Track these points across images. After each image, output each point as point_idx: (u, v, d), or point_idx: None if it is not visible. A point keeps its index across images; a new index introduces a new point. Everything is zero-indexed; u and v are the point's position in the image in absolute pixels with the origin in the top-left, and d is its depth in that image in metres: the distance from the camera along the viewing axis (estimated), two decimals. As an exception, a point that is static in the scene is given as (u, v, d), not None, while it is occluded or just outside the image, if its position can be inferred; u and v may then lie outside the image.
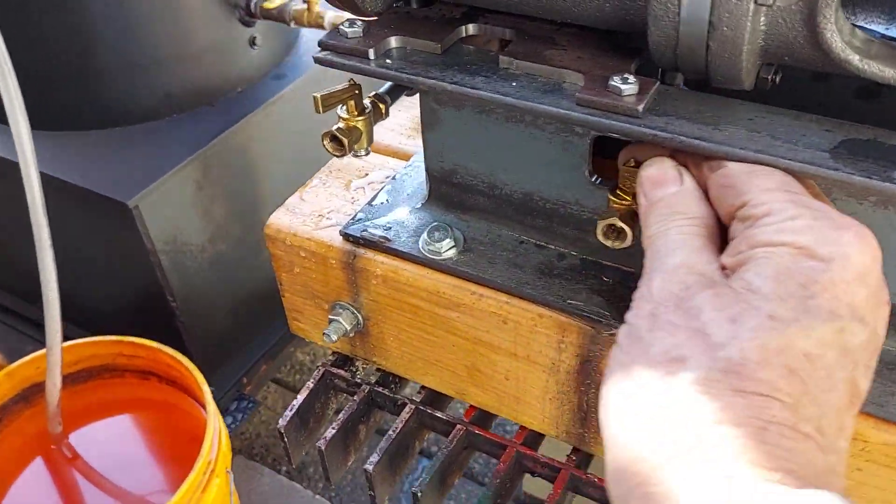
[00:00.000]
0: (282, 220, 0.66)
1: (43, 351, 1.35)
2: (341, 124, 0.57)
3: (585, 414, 0.59)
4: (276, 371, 2.16)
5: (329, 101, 0.55)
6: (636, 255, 0.48)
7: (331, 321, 0.66)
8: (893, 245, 0.47)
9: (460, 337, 0.61)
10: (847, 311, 0.36)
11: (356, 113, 0.56)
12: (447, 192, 0.62)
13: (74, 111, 1.49)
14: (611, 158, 0.52)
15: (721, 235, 0.43)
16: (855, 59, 0.42)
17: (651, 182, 0.45)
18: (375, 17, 0.56)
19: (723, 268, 0.39)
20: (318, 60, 0.54)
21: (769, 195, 0.40)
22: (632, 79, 0.46)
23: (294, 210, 0.67)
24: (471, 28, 0.54)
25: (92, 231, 1.52)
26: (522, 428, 0.66)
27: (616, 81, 0.46)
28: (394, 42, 0.53)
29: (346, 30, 0.53)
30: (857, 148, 0.42)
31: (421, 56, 0.52)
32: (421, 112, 0.58)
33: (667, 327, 0.37)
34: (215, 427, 1.25)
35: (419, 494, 0.62)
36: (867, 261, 0.37)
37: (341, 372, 0.71)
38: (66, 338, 1.26)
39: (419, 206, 0.64)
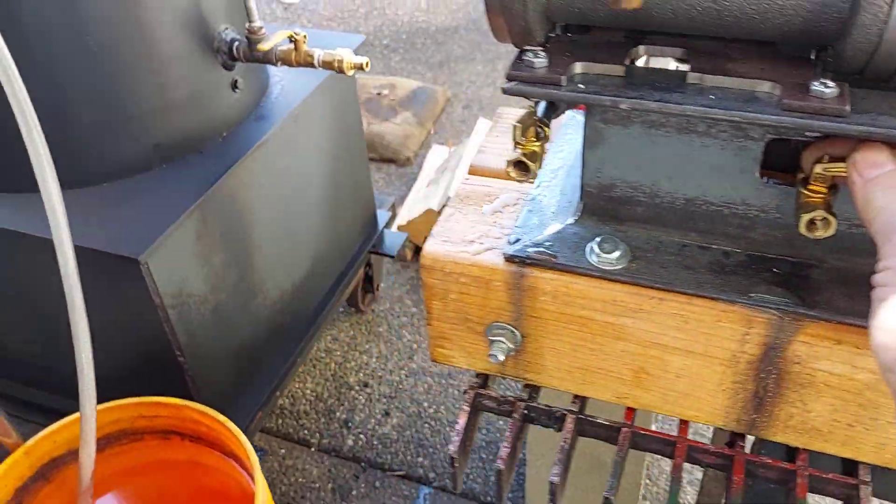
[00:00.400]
0: (437, 249, 0.68)
1: (57, 425, 1.29)
2: (522, 150, 0.59)
3: (761, 400, 0.63)
4: (267, 418, 2.12)
5: (523, 129, 0.58)
6: (797, 244, 0.53)
7: (493, 342, 0.68)
8: None
9: (632, 342, 0.64)
10: None
11: (535, 138, 0.59)
12: (603, 205, 0.65)
13: (63, 171, 1.43)
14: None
15: None
16: None
17: (867, 163, 0.51)
18: (541, 47, 0.59)
19: None
20: (508, 91, 0.56)
21: None
22: (831, 83, 0.51)
23: (444, 239, 0.68)
24: (641, 50, 0.58)
25: (94, 291, 1.46)
26: (683, 422, 0.69)
27: (818, 86, 0.51)
28: (578, 68, 0.56)
29: (533, 59, 0.56)
30: None
31: (607, 79, 0.56)
32: (585, 133, 0.62)
33: None
34: (264, 499, 1.19)
35: (612, 500, 0.65)
36: None
37: (490, 392, 0.73)
38: (62, 411, 1.22)
39: (572, 221, 0.67)
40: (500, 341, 0.67)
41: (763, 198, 0.60)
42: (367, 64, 1.44)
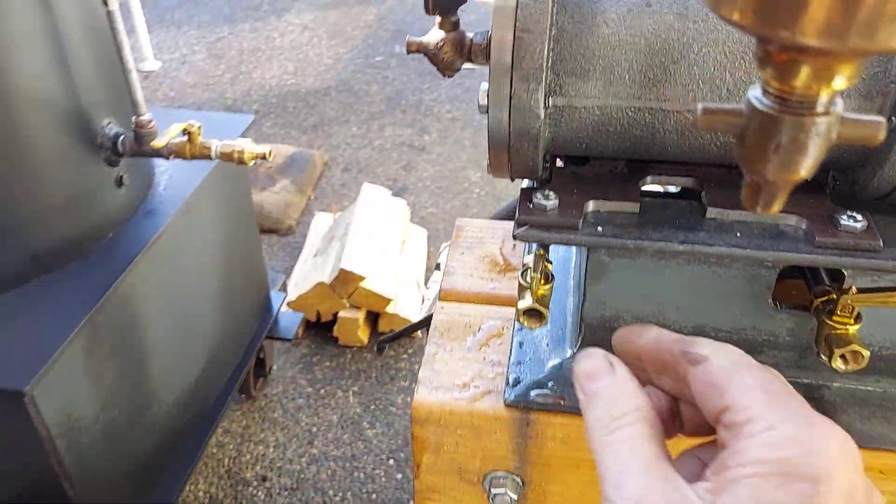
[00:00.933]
0: (430, 399, 0.61)
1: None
2: (531, 297, 0.54)
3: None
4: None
5: (533, 274, 0.53)
6: (807, 365, 0.51)
7: (494, 496, 0.61)
8: None
9: (647, 481, 0.60)
10: None
11: (543, 281, 0.54)
12: (604, 336, 0.61)
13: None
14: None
15: (670, 415, 0.44)
16: None
17: (585, 375, 0.44)
18: (546, 181, 0.55)
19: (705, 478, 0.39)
20: (521, 238, 0.51)
21: (749, 396, 0.39)
22: (858, 216, 0.49)
23: (435, 385, 0.62)
24: (649, 180, 0.55)
25: (-37, 429, 1.27)
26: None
27: (847, 220, 0.49)
28: (591, 206, 0.52)
29: (544, 202, 0.51)
30: None
31: (622, 217, 0.52)
32: (588, 267, 0.57)
33: None
34: None
35: None
36: (850, 474, 0.37)
37: (489, 544, 0.66)
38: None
39: (571, 354, 0.62)
40: (503, 494, 0.61)
41: (774, 323, 0.58)
42: (269, 153, 1.35)
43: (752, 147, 0.30)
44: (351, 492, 2.27)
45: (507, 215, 0.85)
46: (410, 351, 2.58)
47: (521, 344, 0.64)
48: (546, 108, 0.47)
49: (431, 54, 0.55)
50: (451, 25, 0.55)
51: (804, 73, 0.27)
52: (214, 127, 1.48)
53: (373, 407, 2.41)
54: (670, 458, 0.40)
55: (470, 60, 0.55)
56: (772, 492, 0.35)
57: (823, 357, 0.53)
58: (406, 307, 2.62)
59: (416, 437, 0.62)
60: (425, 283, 2.79)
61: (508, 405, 0.59)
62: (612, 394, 0.42)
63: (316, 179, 3.27)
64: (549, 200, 0.51)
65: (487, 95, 0.48)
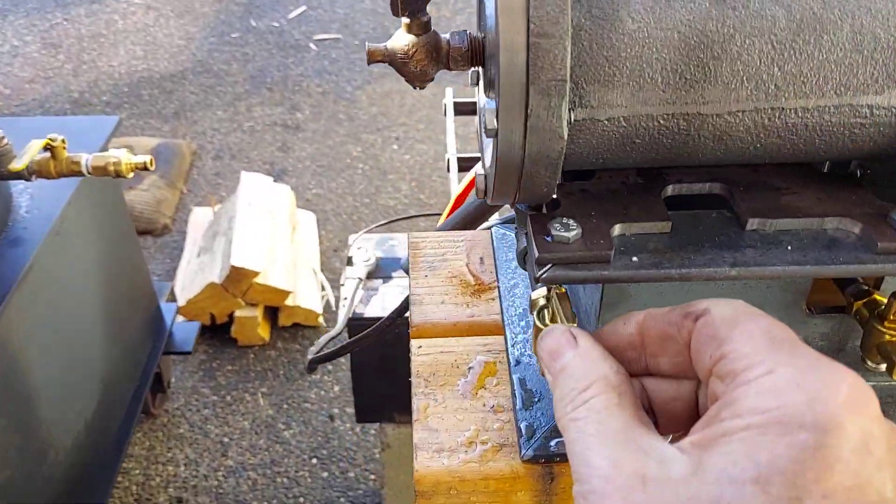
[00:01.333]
0: (434, 466, 0.52)
1: None
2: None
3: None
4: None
5: (549, 312, 0.44)
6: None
7: (519, 560, 0.54)
8: None
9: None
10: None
11: (570, 319, 0.46)
12: (619, 365, 0.54)
13: None
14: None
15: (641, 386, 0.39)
16: None
17: (549, 354, 0.40)
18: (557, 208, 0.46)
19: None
20: (548, 281, 0.42)
21: (750, 344, 0.34)
22: (913, 214, 0.44)
23: (436, 448, 0.53)
24: (670, 190, 0.47)
25: None
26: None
27: (901, 220, 0.43)
28: (617, 230, 0.44)
29: (564, 234, 0.42)
30: None
31: (655, 240, 0.44)
32: (604, 294, 0.50)
33: None
34: None
35: None
36: (863, 422, 0.31)
37: None
38: None
39: (584, 390, 0.54)
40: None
41: (808, 329, 0.52)
42: (151, 162, 1.20)
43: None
44: (276, 499, 2.15)
45: (461, 224, 0.76)
46: (308, 342, 2.46)
47: (522, 381, 0.56)
48: (569, 124, 0.39)
49: (399, 63, 0.45)
50: (422, 27, 0.45)
51: None
52: (74, 135, 1.30)
53: (286, 406, 2.28)
54: (647, 423, 0.36)
55: (447, 67, 0.46)
56: (769, 445, 0.30)
57: (871, 364, 0.49)
58: (305, 298, 2.49)
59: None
60: (321, 269, 2.66)
61: (527, 462, 0.51)
62: (575, 365, 0.38)
63: (186, 171, 3.04)
64: (570, 231, 0.42)
65: (497, 116, 0.38)
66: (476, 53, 0.45)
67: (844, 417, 0.30)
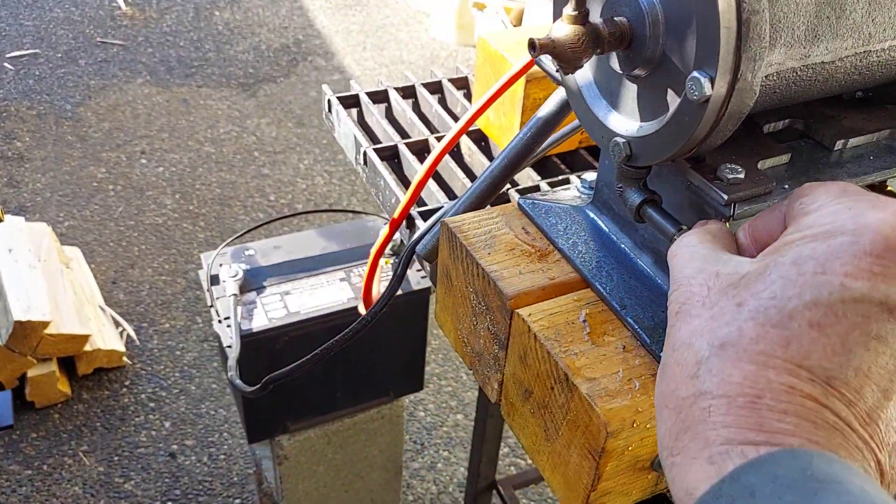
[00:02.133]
0: (614, 406, 0.57)
1: None
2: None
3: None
4: None
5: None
6: None
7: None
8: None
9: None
10: (867, 285, 0.34)
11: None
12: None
13: None
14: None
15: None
16: None
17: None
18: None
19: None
20: (743, 215, 0.50)
21: (825, 193, 0.39)
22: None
23: (606, 393, 0.59)
24: (765, 129, 0.57)
25: None
26: None
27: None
28: (761, 165, 0.53)
29: (737, 175, 0.51)
30: None
31: (781, 171, 0.54)
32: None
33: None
34: None
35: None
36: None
37: None
38: None
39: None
40: (683, 464, 0.61)
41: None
42: None
43: None
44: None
45: (477, 203, 0.80)
46: (118, 385, 2.26)
47: (637, 320, 0.63)
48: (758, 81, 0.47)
49: (569, 53, 0.50)
50: (585, 17, 0.50)
51: None
52: None
53: (117, 458, 2.09)
54: (734, 250, 0.43)
55: (602, 52, 0.51)
56: (812, 245, 0.36)
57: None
58: (103, 339, 2.27)
59: (607, 451, 0.59)
60: (106, 305, 2.43)
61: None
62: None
63: None
64: (738, 174, 0.51)
65: (710, 81, 0.45)
66: (625, 37, 0.50)
67: (884, 227, 0.35)
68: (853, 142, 0.56)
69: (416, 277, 1.53)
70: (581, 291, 0.68)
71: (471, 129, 1.02)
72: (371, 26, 4.25)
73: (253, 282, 1.46)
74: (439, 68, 3.74)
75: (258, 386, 1.05)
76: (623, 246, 0.68)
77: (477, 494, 1.69)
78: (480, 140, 1.12)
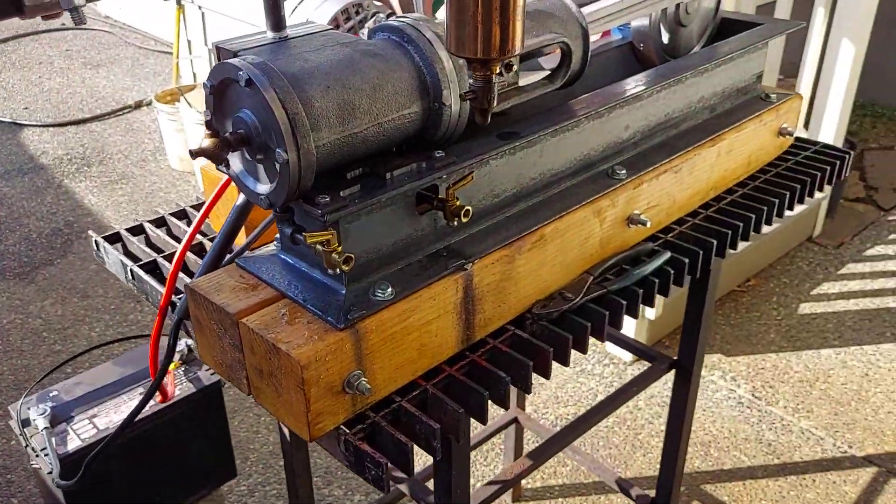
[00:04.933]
0: (306, 350, 0.95)
1: None
2: (337, 254, 0.94)
3: (469, 317, 1.13)
4: None
5: (331, 239, 0.93)
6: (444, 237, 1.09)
7: (355, 384, 1.00)
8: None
9: (414, 332, 1.06)
10: None
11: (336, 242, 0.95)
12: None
13: None
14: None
15: None
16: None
17: None
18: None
19: None
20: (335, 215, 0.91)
21: None
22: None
23: (302, 341, 0.96)
24: (351, 173, 1.00)
25: None
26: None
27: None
28: (342, 193, 0.95)
29: (322, 201, 0.92)
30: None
31: (356, 195, 0.96)
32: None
33: None
34: None
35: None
36: None
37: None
38: None
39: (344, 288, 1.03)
40: (360, 380, 0.99)
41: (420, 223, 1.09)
42: None
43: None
44: None
45: (213, 264, 1.16)
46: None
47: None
48: (316, 148, 0.89)
49: (212, 154, 0.90)
50: (217, 133, 0.90)
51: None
52: None
53: None
54: None
55: (234, 150, 0.91)
56: None
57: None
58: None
59: (307, 381, 0.95)
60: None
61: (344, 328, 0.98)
62: None
63: None
64: (325, 199, 0.92)
65: (285, 153, 0.86)
66: (244, 140, 0.91)
67: None
68: (397, 172, 1.00)
69: (206, 375, 1.83)
70: (281, 301, 1.07)
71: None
72: (140, 195, 4.54)
73: (61, 415, 1.69)
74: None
75: (79, 475, 1.31)
76: (301, 267, 1.08)
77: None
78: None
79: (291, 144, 0.86)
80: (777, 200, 1.57)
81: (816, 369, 3.24)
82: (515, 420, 2.48)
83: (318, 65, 0.93)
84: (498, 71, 0.82)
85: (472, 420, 1.12)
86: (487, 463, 2.86)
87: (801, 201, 1.65)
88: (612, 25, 1.28)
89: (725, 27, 1.66)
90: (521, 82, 1.25)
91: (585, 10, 1.26)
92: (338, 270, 0.96)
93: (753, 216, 1.51)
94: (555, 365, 1.19)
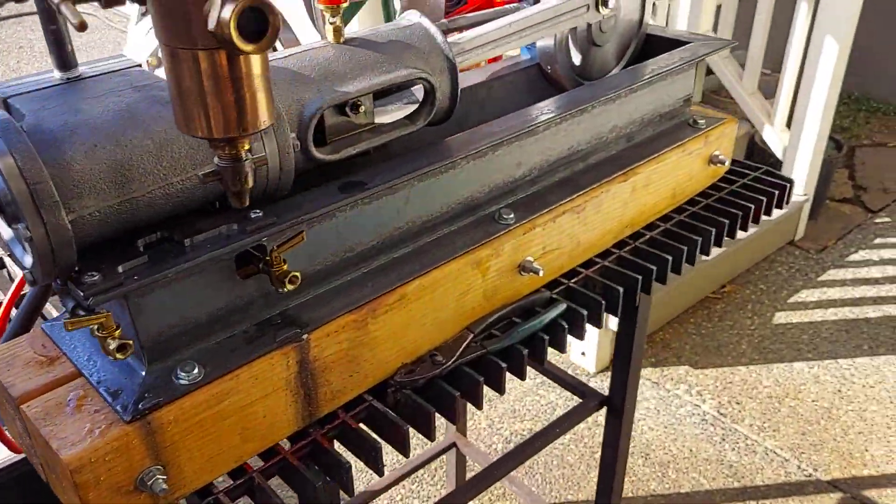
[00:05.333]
0: (75, 453, 0.82)
1: None
2: (114, 339, 0.81)
3: (309, 393, 1.00)
4: None
5: (108, 326, 0.80)
6: (272, 302, 0.95)
7: (150, 482, 0.87)
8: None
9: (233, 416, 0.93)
10: None
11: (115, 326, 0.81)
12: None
13: None
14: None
15: None
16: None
17: None
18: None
19: None
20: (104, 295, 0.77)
21: None
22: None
23: (70, 442, 0.83)
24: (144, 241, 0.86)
25: None
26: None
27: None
28: (120, 269, 0.81)
29: (89, 280, 0.78)
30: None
31: (143, 266, 0.83)
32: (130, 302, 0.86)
33: None
34: None
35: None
36: None
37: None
38: None
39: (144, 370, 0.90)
40: (155, 479, 0.86)
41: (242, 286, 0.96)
42: None
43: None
44: None
45: (20, 331, 1.03)
46: None
47: (109, 391, 0.89)
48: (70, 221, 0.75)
49: None
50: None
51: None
52: None
53: None
54: None
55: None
56: None
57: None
58: None
59: (80, 484, 0.83)
60: None
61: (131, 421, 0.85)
62: None
63: None
64: (94, 277, 0.78)
65: (26, 229, 0.73)
66: (2, 205, 0.78)
67: None
68: (200, 238, 0.86)
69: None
70: (78, 380, 0.93)
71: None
72: None
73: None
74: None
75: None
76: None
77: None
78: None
79: (35, 219, 0.73)
80: (700, 239, 1.42)
81: (787, 384, 3.10)
82: (454, 445, 2.36)
83: (90, 118, 0.79)
84: (248, 147, 0.68)
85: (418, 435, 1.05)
86: (434, 483, 2.74)
87: (731, 235, 1.51)
88: (494, 54, 1.13)
89: (651, 45, 1.50)
90: (388, 119, 1.11)
91: (462, 36, 1.11)
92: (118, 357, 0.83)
93: (671, 257, 1.36)
94: (511, 377, 1.16)
